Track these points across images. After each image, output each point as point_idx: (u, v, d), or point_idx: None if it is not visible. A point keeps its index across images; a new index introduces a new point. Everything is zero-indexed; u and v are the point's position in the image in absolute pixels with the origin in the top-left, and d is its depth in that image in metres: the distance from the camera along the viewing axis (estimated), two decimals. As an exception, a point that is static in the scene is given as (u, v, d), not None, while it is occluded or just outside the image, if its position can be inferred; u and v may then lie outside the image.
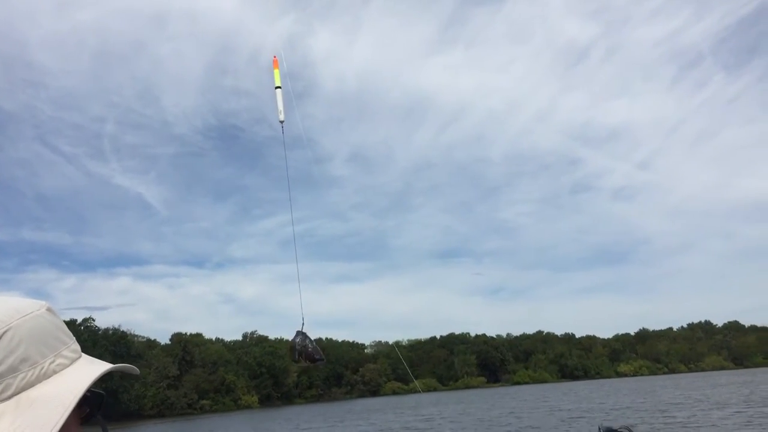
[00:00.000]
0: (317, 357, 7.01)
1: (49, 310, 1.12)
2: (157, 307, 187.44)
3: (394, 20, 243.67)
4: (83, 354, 1.13)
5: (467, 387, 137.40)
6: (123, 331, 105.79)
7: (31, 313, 1.07)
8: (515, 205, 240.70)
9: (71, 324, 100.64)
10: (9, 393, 0.98)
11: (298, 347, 6.93)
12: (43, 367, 1.04)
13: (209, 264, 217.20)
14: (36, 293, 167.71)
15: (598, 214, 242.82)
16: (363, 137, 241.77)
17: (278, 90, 8.40)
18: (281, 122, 8.24)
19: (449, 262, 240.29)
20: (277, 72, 8.50)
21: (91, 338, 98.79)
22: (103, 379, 1.07)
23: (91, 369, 1.07)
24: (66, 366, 1.07)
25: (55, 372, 1.05)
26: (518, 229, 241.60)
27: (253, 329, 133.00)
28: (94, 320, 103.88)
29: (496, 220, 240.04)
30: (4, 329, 1.02)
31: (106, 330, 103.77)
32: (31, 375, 1.02)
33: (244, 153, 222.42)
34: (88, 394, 1.04)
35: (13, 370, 1.00)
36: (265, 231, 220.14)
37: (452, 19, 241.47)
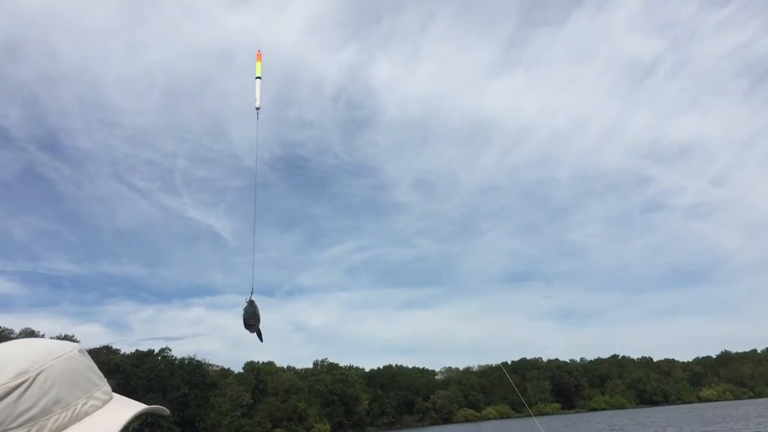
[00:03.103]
0: (250, 321, 7.18)
1: (80, 351, 1.12)
2: (230, 336, 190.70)
3: (454, 45, 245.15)
4: (114, 394, 1.13)
5: (541, 413, 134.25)
6: (198, 361, 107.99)
7: (64, 354, 1.08)
8: (584, 226, 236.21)
9: (149, 354, 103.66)
10: None
11: (243, 313, 7.16)
12: (75, 409, 1.04)
13: (279, 293, 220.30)
14: (115, 325, 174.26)
15: (672, 232, 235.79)
16: (427, 162, 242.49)
17: (258, 80, 9.05)
18: (257, 109, 8.92)
19: (518, 285, 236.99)
20: (259, 64, 9.10)
21: (168, 368, 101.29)
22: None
23: (122, 411, 1.07)
24: (98, 408, 1.07)
25: (87, 414, 1.05)
26: (588, 251, 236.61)
27: (324, 357, 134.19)
28: (170, 350, 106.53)
29: (565, 242, 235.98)
30: (38, 371, 1.02)
31: (182, 360, 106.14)
32: (64, 417, 1.02)
33: (310, 183, 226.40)
34: None
35: (46, 412, 1.01)
36: (333, 259, 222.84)
37: (512, 42, 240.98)
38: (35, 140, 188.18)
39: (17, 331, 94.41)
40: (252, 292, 7.27)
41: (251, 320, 7.01)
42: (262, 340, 7.24)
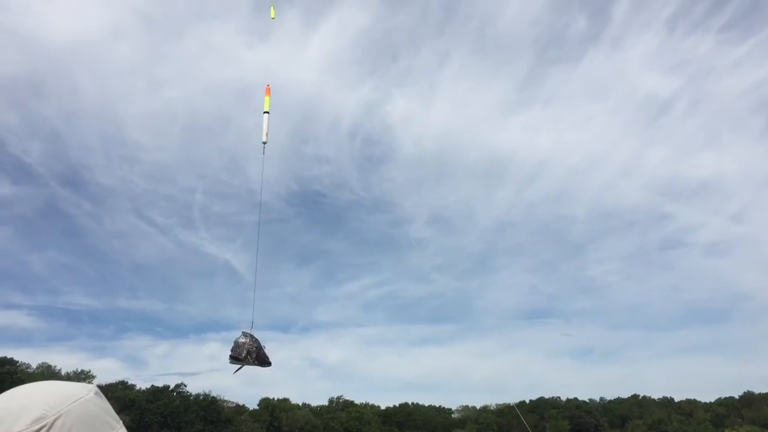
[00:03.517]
0: (268, 360, 7.03)
1: (96, 393, 1.16)
2: (245, 372, 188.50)
3: (470, 83, 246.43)
4: None
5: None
6: (213, 397, 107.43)
7: (81, 398, 1.10)
8: (602, 263, 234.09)
9: (164, 390, 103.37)
10: None
11: (248, 346, 6.99)
12: None
13: (295, 328, 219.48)
14: (131, 360, 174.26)
15: (692, 270, 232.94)
16: (443, 198, 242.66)
17: (266, 115, 9.31)
18: (263, 143, 9.20)
19: (536, 323, 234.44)
20: (267, 99, 9.32)
21: (183, 404, 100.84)
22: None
23: None
24: None
25: None
26: (607, 288, 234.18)
27: (339, 393, 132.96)
28: (186, 386, 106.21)
29: (583, 278, 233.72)
30: (55, 416, 1.05)
31: (197, 396, 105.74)
32: None
33: (327, 218, 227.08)
34: None
35: None
36: (349, 294, 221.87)
37: (528, 80, 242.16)
38: (56, 176, 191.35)
39: (34, 365, 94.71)
40: (252, 326, 7.31)
41: (245, 355, 6.96)
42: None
